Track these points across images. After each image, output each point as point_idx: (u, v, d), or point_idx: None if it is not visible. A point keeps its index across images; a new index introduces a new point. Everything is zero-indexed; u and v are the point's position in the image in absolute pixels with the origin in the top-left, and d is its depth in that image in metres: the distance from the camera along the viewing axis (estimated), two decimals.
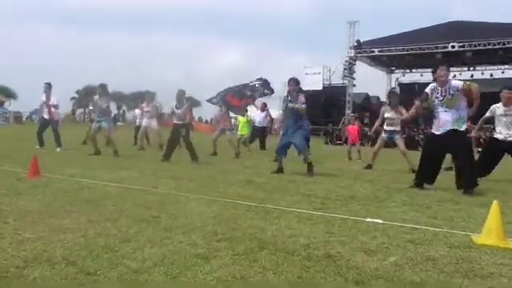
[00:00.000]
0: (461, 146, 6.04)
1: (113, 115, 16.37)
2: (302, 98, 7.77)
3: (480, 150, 9.87)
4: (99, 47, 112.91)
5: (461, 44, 28.52)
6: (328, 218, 4.09)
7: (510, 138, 7.28)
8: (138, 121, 14.64)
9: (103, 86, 10.62)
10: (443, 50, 28.93)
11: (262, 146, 14.93)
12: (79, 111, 53.88)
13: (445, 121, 6.02)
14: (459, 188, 6.01)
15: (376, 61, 35.45)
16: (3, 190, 4.98)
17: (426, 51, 29.74)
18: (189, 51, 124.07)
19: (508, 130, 7.31)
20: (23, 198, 4.57)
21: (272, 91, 13.34)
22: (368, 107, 34.05)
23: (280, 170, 7.86)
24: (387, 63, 36.30)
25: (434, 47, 29.28)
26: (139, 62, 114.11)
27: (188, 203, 4.63)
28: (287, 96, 7.95)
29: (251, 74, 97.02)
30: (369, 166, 9.44)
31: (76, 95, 63.38)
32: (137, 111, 16.31)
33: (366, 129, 23.68)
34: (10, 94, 52.76)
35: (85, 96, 54.43)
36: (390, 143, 9.64)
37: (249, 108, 14.71)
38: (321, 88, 34.01)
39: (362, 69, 35.68)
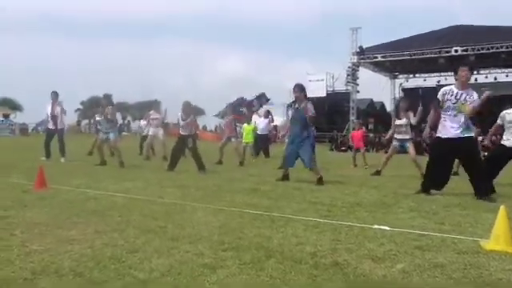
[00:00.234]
0: (470, 153, 6.00)
1: (118, 125, 16.50)
2: (310, 106, 7.67)
3: (485, 154, 9.83)
4: (102, 57, 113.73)
5: (464, 48, 28.46)
6: (334, 226, 4.08)
7: None
8: (145, 131, 14.69)
9: (108, 97, 10.74)
10: (446, 55, 28.88)
11: (266, 154, 14.95)
12: (84, 122, 54.24)
13: (453, 126, 5.95)
14: (476, 195, 5.92)
15: (379, 66, 35.44)
16: (10, 202, 5.01)
17: (430, 56, 29.70)
18: (191, 58, 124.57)
19: None
20: (30, 210, 4.59)
21: (267, 100, 13.72)
22: (372, 113, 34.03)
23: (285, 178, 7.84)
24: (390, 68, 36.29)
25: (437, 51, 29.24)
26: (142, 71, 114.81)
27: (194, 213, 4.63)
28: (293, 103, 7.93)
29: (253, 81, 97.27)
30: (377, 172, 9.41)
31: (81, 106, 63.80)
32: (142, 122, 16.41)
33: (371, 135, 23.69)
34: (15, 107, 53.23)
35: (90, 107, 54.72)
36: (401, 151, 9.57)
37: (253, 116, 14.94)
38: (324, 95, 34.03)
39: (366, 75, 35.74)
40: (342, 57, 43.50)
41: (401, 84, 37.98)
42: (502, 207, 3.43)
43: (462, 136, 5.90)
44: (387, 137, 10.61)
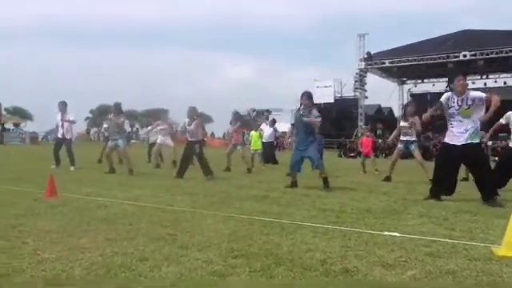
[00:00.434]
0: (477, 159, 5.96)
1: (126, 133, 16.62)
2: (315, 111, 7.78)
3: (496, 159, 9.75)
4: (108, 66, 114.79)
5: (472, 53, 28.31)
6: (344, 232, 4.06)
7: None
8: (151, 138, 14.79)
9: (117, 105, 10.82)
10: (455, 60, 28.75)
11: (274, 161, 14.97)
12: (93, 130, 54.67)
13: (459, 132, 5.94)
14: (483, 200, 5.91)
15: (387, 72, 35.34)
16: (21, 210, 5.05)
17: (438, 61, 29.55)
18: (198, 65, 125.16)
19: None
20: (41, 218, 4.63)
21: (269, 112, 13.90)
22: (381, 118, 33.89)
23: (294, 185, 7.84)
24: (398, 74, 36.15)
25: (445, 57, 29.11)
26: (148, 79, 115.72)
27: (203, 220, 4.64)
28: (299, 110, 7.96)
29: (260, 88, 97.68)
30: (387, 178, 9.35)
31: (90, 115, 64.36)
32: (146, 129, 16.62)
33: (380, 140, 23.58)
34: (25, 116, 53.84)
35: (99, 115, 55.25)
36: (407, 153, 9.58)
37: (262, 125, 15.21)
38: (332, 101, 33.98)
39: (373, 80, 35.66)
40: (350, 63, 43.46)
41: (409, 89, 37.85)
42: None
43: (468, 143, 5.87)
44: (390, 138, 10.61)
